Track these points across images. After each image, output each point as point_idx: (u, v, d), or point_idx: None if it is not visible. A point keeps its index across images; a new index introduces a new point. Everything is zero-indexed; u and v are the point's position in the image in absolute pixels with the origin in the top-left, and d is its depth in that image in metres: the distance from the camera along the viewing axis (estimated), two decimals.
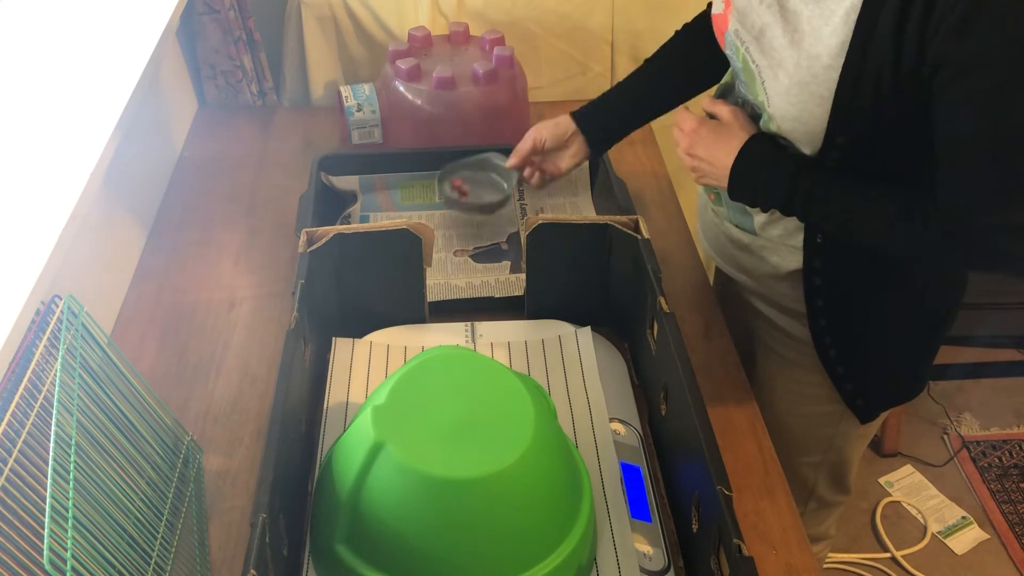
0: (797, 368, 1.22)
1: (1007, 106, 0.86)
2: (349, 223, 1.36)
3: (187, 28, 1.61)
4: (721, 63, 1.16)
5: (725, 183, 1.06)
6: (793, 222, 1.09)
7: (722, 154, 1.05)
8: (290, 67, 1.82)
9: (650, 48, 1.87)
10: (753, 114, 1.07)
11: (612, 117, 1.29)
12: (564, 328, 1.18)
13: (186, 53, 1.66)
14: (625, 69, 1.86)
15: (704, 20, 1.23)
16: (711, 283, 1.35)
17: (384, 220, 1.30)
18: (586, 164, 1.43)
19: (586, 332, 1.16)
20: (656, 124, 1.46)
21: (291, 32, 1.79)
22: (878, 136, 0.95)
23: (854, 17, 0.91)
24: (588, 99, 1.86)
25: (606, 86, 1.91)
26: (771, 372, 1.27)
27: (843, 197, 0.99)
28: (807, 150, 1.00)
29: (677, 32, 1.28)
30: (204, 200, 1.46)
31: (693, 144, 1.09)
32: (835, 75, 0.93)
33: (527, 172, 1.32)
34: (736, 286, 1.27)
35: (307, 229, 1.10)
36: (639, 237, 1.11)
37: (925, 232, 0.94)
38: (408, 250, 1.13)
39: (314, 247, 1.09)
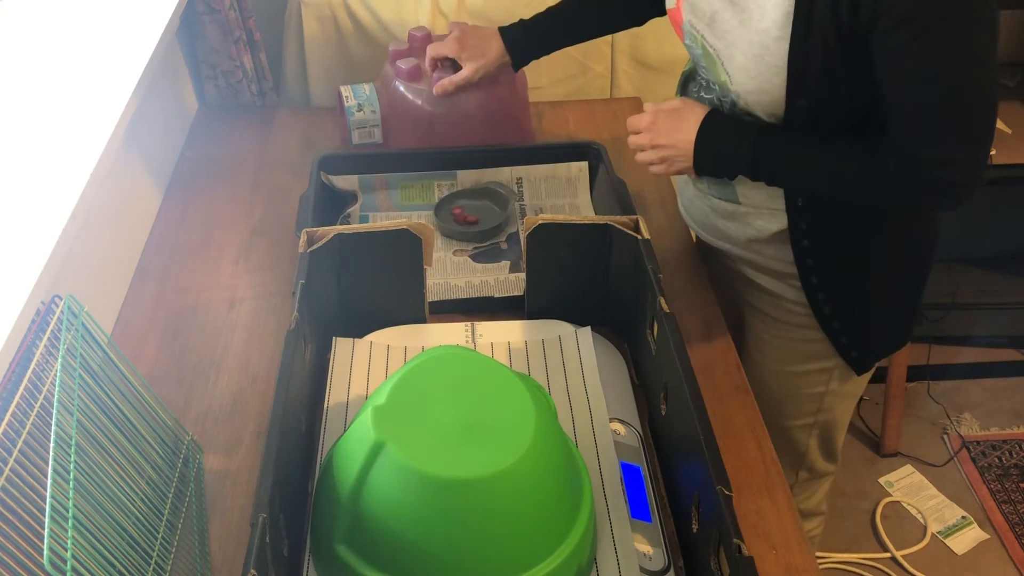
0: (788, 327, 1.26)
1: (941, 51, 0.95)
2: (349, 223, 1.36)
3: (187, 28, 1.61)
4: (640, 7, 1.31)
5: (691, 162, 1.12)
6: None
7: (684, 133, 1.11)
8: (290, 67, 1.82)
9: (650, 48, 1.87)
10: (719, 99, 1.13)
11: (540, 35, 1.37)
12: (564, 328, 1.18)
13: (186, 53, 1.66)
14: (625, 69, 1.87)
15: None
16: (694, 253, 1.37)
17: (384, 220, 1.30)
18: (586, 165, 1.43)
19: (586, 332, 1.16)
20: None
21: (291, 32, 1.79)
22: (835, 94, 1.02)
23: None
24: (588, 99, 1.86)
25: (606, 86, 1.91)
26: (760, 335, 1.31)
27: (804, 154, 1.07)
28: (772, 119, 1.07)
29: None
30: (204, 200, 1.46)
31: (655, 136, 1.14)
32: (785, 45, 0.99)
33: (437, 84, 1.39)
34: (720, 255, 1.30)
35: (307, 229, 1.10)
36: (639, 237, 1.11)
37: (883, 174, 1.03)
38: (408, 250, 1.13)
39: (314, 247, 1.09)
